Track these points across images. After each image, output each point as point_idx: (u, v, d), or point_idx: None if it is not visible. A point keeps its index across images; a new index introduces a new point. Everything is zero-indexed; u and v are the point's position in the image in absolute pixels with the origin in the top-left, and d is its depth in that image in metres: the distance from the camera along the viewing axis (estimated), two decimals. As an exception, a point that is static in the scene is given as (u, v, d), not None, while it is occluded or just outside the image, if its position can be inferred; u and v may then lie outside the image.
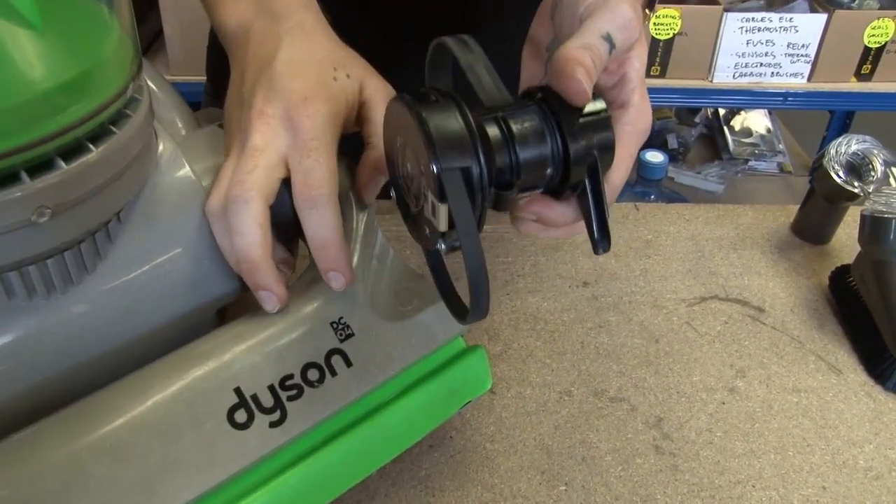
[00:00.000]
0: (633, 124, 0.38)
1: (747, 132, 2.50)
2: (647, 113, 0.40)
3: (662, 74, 1.75)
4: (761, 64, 1.77)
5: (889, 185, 0.56)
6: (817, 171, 0.61)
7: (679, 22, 1.68)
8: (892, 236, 0.54)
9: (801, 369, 0.54)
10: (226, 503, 0.36)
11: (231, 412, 0.36)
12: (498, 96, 0.35)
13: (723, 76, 1.77)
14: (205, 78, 0.80)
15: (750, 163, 2.37)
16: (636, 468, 0.47)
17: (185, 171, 0.42)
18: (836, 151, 0.59)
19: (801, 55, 1.77)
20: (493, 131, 0.34)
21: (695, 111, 2.50)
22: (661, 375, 0.53)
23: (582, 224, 0.38)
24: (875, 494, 0.46)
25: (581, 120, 0.35)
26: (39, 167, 0.33)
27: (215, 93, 0.79)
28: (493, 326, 0.56)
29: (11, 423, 0.36)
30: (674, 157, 2.42)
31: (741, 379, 0.53)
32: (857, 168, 0.60)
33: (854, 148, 0.59)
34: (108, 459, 0.34)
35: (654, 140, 2.43)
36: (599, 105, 0.36)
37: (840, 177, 0.59)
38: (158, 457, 0.35)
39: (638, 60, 0.39)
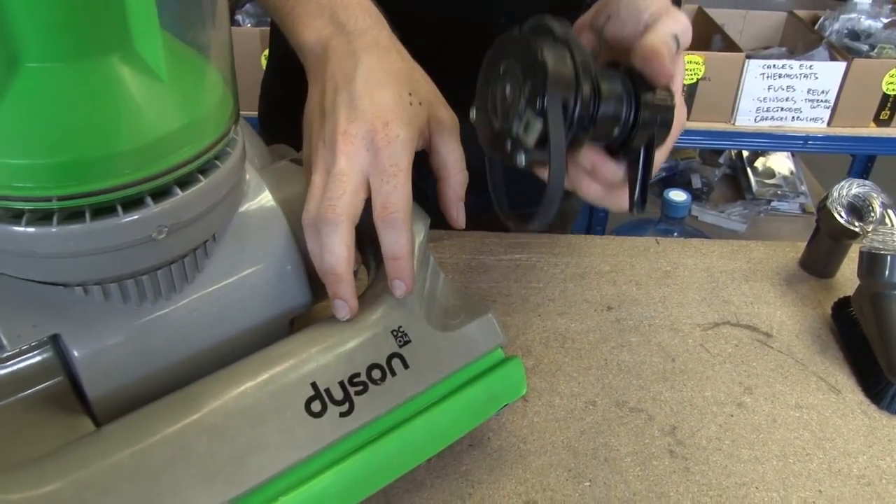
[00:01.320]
0: (677, 118, 0.46)
1: (770, 173, 2.56)
2: (684, 111, 0.48)
3: (687, 117, 1.81)
4: (782, 108, 1.83)
5: (885, 224, 0.63)
6: (822, 211, 0.68)
7: (703, 67, 1.75)
8: (887, 271, 0.60)
9: (804, 388, 0.60)
10: (301, 481, 0.43)
11: (308, 403, 0.43)
12: (590, 61, 0.43)
13: (745, 119, 1.84)
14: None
15: (772, 203, 2.42)
16: (652, 469, 0.53)
17: (269, 199, 0.49)
18: (839, 194, 0.66)
19: (821, 101, 1.83)
20: (586, 83, 0.41)
21: (719, 152, 2.56)
22: (676, 390, 0.59)
23: (616, 194, 0.46)
24: (866, 499, 0.51)
25: (654, 97, 0.43)
26: (161, 193, 0.40)
27: (271, 127, 0.87)
28: (527, 344, 0.62)
29: (126, 406, 0.43)
30: (697, 196, 2.48)
31: (748, 395, 0.59)
32: (859, 209, 0.66)
33: (855, 191, 0.65)
34: (206, 438, 0.41)
35: (679, 179, 2.50)
36: (666, 92, 0.44)
37: (842, 217, 0.66)
38: (247, 438, 0.42)
39: (682, 66, 0.47)
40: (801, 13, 2.08)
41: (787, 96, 1.82)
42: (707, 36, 1.90)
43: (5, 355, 0.43)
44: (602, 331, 0.64)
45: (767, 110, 1.84)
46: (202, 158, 0.42)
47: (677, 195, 1.78)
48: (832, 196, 0.66)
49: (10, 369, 0.43)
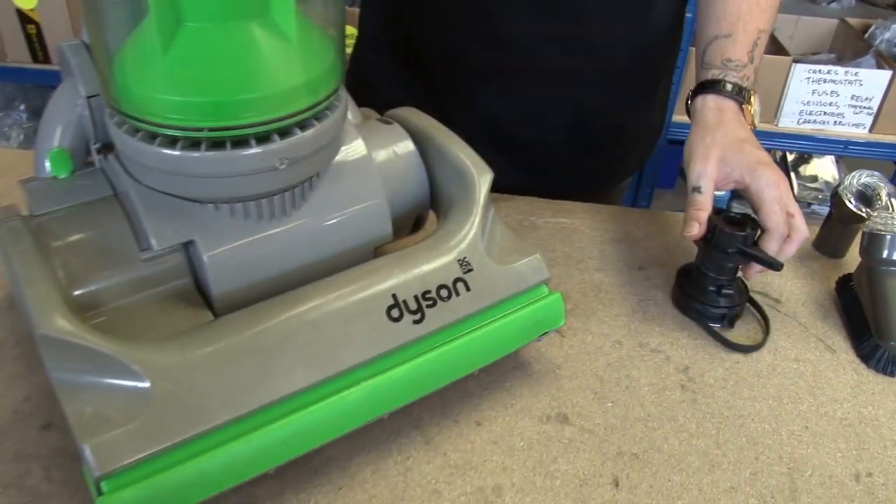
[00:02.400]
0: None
1: (813, 178, 2.61)
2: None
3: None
4: (825, 113, 1.90)
5: (888, 210, 0.71)
6: (834, 197, 0.76)
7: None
8: (885, 250, 0.69)
9: (804, 346, 0.69)
10: (378, 372, 0.53)
11: (389, 310, 0.54)
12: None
13: (788, 121, 1.91)
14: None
15: (812, 207, 2.48)
16: (665, 397, 0.62)
17: (362, 147, 0.60)
18: (850, 182, 0.74)
19: (864, 107, 1.89)
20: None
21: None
22: (692, 338, 0.69)
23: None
24: (845, 437, 0.61)
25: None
26: (284, 132, 0.51)
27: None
28: (567, 291, 0.72)
29: (241, 303, 0.53)
30: (739, 195, 2.55)
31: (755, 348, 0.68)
32: (868, 197, 0.75)
33: (864, 180, 0.74)
34: (309, 329, 0.52)
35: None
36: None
37: (852, 203, 0.74)
38: (341, 333, 0.52)
39: (786, 183, 0.71)
40: (853, 21, 2.12)
41: (830, 101, 1.88)
42: (757, 38, 1.97)
43: (151, 255, 0.54)
44: (632, 286, 0.74)
45: (811, 114, 1.90)
46: (317, 108, 0.52)
47: (716, 188, 1.83)
48: (844, 184, 0.75)
49: (152, 267, 0.54)
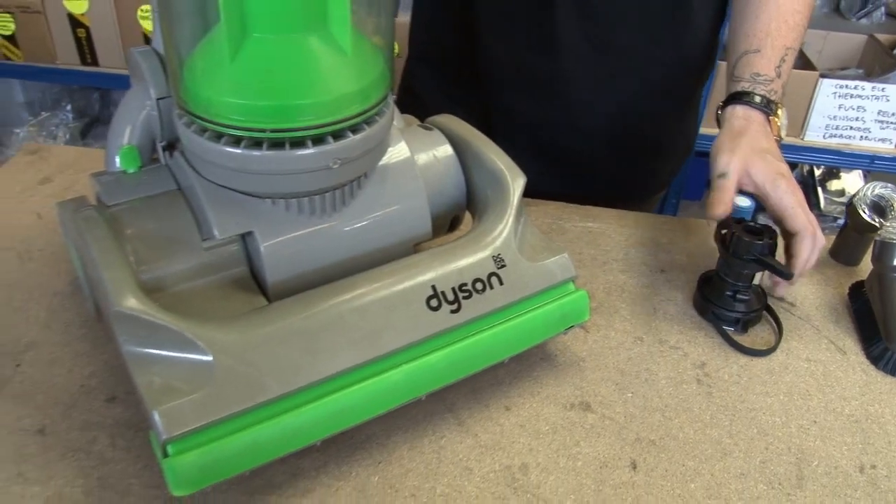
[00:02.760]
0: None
1: (840, 193, 2.62)
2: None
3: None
4: (851, 127, 1.92)
5: (899, 220, 0.75)
6: (849, 207, 0.80)
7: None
8: (894, 258, 0.72)
9: (815, 347, 0.73)
10: (417, 356, 0.58)
11: (428, 299, 0.58)
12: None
13: (814, 135, 1.94)
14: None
15: (838, 221, 2.49)
16: (682, 390, 0.67)
17: (405, 150, 0.65)
18: (864, 194, 0.78)
19: (891, 122, 1.91)
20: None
21: (791, 167, 2.64)
22: (709, 337, 0.73)
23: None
24: (851, 431, 0.65)
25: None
26: (338, 135, 0.56)
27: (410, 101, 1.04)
28: (592, 291, 0.77)
29: (294, 290, 0.59)
30: (764, 208, 2.57)
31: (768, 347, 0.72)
32: (882, 208, 0.79)
33: (878, 192, 0.78)
34: (355, 315, 0.57)
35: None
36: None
37: (866, 213, 0.78)
38: (384, 319, 0.57)
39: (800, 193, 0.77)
40: (882, 37, 2.15)
41: (857, 116, 1.91)
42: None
43: (212, 244, 0.59)
44: (654, 287, 0.78)
45: (837, 128, 1.93)
46: (367, 114, 0.57)
47: (741, 200, 1.87)
48: (858, 195, 0.79)
49: (212, 255, 0.60)
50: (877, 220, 0.78)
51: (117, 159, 0.65)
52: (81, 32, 1.89)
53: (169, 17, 0.57)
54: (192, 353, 0.53)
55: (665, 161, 1.05)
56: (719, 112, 0.83)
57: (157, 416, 0.50)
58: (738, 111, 0.81)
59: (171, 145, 0.66)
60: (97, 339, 0.69)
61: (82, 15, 1.86)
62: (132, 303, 0.53)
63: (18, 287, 0.75)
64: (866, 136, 1.94)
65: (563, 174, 0.96)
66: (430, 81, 1.02)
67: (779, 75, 0.84)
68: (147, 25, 1.85)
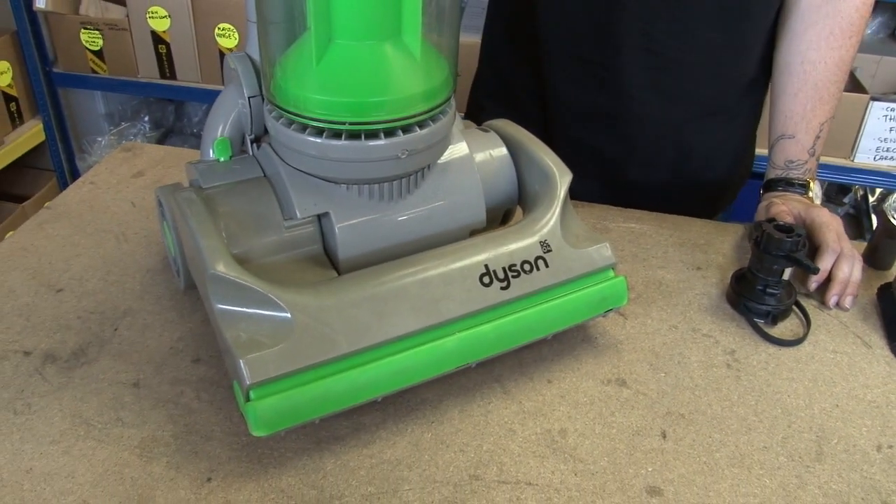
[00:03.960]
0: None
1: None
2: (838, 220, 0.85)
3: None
4: (901, 150, 1.94)
5: (926, 226, 0.80)
6: (880, 214, 0.85)
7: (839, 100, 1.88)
8: (919, 259, 0.77)
9: (842, 340, 0.78)
10: (471, 326, 0.65)
11: (481, 277, 0.66)
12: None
13: (864, 157, 1.96)
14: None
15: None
16: (712, 373, 0.72)
17: (465, 148, 0.72)
18: (892, 201, 0.83)
19: (941, 147, 1.93)
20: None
21: (845, 191, 2.65)
22: (741, 328, 0.78)
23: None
24: (872, 416, 0.69)
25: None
26: (407, 129, 0.64)
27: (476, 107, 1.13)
28: (632, 283, 0.83)
29: (367, 265, 0.66)
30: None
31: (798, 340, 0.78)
32: (911, 215, 0.84)
33: (907, 198, 0.83)
34: (418, 286, 0.64)
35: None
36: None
37: (894, 218, 0.83)
38: (442, 291, 0.64)
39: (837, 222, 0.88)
40: (936, 62, 2.16)
41: (907, 138, 1.93)
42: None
43: (293, 223, 0.67)
44: (690, 282, 0.84)
45: (887, 150, 1.95)
46: (433, 112, 0.65)
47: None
48: (888, 201, 0.84)
49: (292, 233, 0.68)
50: (905, 225, 0.83)
51: (211, 150, 0.73)
52: (162, 48, 2.02)
53: (265, 25, 0.66)
54: (275, 312, 0.60)
55: (725, 189, 1.11)
56: (761, 193, 0.97)
57: (242, 365, 0.58)
58: (775, 198, 0.93)
59: (258, 138, 0.74)
60: (184, 309, 0.78)
61: (164, 32, 1.99)
62: (225, 267, 0.61)
63: (116, 264, 0.84)
64: (917, 160, 1.96)
65: (628, 203, 1.03)
66: (498, 104, 1.09)
67: (812, 154, 0.95)
68: (223, 42, 1.97)
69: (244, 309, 0.61)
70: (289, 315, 0.60)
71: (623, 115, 0.98)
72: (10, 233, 0.95)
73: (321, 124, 0.63)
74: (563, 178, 0.73)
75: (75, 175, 2.30)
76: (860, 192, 2.65)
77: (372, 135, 0.63)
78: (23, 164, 2.19)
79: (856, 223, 2.62)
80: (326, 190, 0.67)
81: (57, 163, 2.27)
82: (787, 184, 0.95)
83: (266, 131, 0.71)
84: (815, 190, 0.95)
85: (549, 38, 0.98)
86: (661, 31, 0.92)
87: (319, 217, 0.68)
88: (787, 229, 0.77)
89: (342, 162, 0.64)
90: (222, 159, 0.72)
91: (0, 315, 0.76)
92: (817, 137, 0.95)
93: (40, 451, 0.63)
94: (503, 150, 0.76)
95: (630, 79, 0.95)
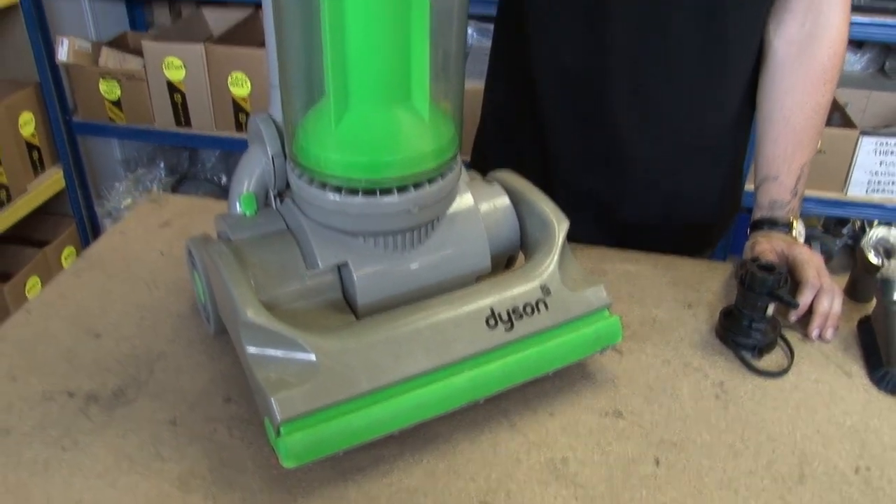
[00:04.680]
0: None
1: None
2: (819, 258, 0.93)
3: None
4: (893, 182, 2.01)
5: (899, 261, 0.86)
6: (857, 250, 0.91)
7: (819, 142, 1.95)
8: (893, 293, 0.84)
9: (824, 370, 0.84)
10: (479, 365, 0.71)
11: (487, 319, 0.72)
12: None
13: (857, 190, 2.02)
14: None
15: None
16: (702, 403, 0.78)
17: (470, 199, 0.79)
18: (870, 237, 0.90)
19: (932, 179, 1.99)
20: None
21: (842, 223, 2.71)
22: (728, 361, 0.84)
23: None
24: (850, 440, 0.75)
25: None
26: (418, 185, 0.70)
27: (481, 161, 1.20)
28: (627, 321, 0.89)
29: (383, 309, 0.73)
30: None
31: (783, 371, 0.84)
32: (888, 249, 0.90)
33: (881, 235, 0.89)
34: (430, 328, 0.70)
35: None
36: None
37: (871, 254, 0.89)
38: (452, 333, 0.71)
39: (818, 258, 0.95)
40: (925, 95, 2.23)
41: (897, 172, 2.00)
42: (828, 112, 2.10)
43: (315, 272, 0.74)
44: (682, 319, 0.90)
45: (879, 183, 2.01)
46: (440, 169, 0.72)
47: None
48: (865, 238, 0.90)
49: (314, 281, 0.74)
50: (880, 260, 0.89)
51: (238, 203, 0.80)
52: (178, 97, 2.11)
53: (288, 91, 0.73)
54: (301, 354, 0.67)
55: (716, 224, 1.18)
56: (749, 232, 1.04)
57: (273, 403, 0.64)
58: (761, 237, 1.00)
59: (282, 193, 0.81)
60: (214, 352, 0.84)
61: (180, 82, 2.08)
62: (255, 314, 0.67)
63: (149, 310, 0.91)
64: (909, 191, 2.03)
65: (623, 240, 1.09)
66: (499, 152, 1.17)
67: (795, 194, 1.02)
68: (236, 91, 2.05)
69: (273, 351, 0.68)
70: (314, 357, 0.67)
71: (615, 158, 1.05)
72: (49, 282, 1.01)
73: (339, 182, 0.70)
74: (560, 226, 0.79)
75: (94, 220, 2.38)
76: (857, 224, 2.71)
77: (386, 191, 0.70)
78: (43, 210, 2.27)
79: (854, 254, 2.67)
80: (345, 241, 0.74)
81: (76, 208, 2.34)
82: (772, 224, 1.01)
83: (288, 186, 0.78)
84: (799, 228, 1.01)
85: (544, 87, 1.05)
86: (647, 77, 0.99)
87: (339, 266, 0.75)
88: (769, 268, 0.84)
89: (359, 216, 0.71)
90: (248, 213, 0.79)
91: (45, 359, 0.83)
92: (799, 178, 1.02)
93: (88, 484, 0.69)
94: (506, 201, 0.82)
95: (620, 123, 1.02)
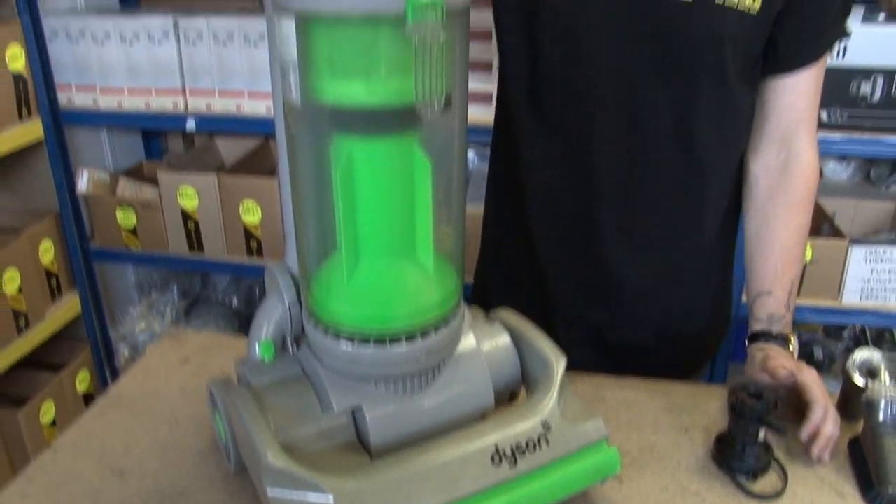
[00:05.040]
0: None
1: (894, 347, 2.70)
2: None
3: (797, 295, 2.06)
4: (885, 289, 2.06)
5: (881, 382, 0.91)
6: (844, 372, 0.96)
7: (811, 253, 2.02)
8: (879, 414, 0.88)
9: (818, 493, 0.88)
10: (485, 499, 0.76)
11: (492, 456, 0.77)
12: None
13: (851, 298, 2.07)
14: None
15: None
16: (701, 530, 0.82)
17: (473, 341, 0.85)
18: (853, 360, 0.95)
19: (923, 284, 2.05)
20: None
21: (843, 326, 2.74)
22: (724, 486, 0.88)
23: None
24: (845, 564, 0.79)
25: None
26: (424, 333, 0.76)
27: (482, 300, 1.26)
28: (627, 449, 0.93)
29: (396, 448, 0.77)
30: (819, 367, 2.65)
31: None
32: (873, 371, 0.95)
33: (867, 356, 0.95)
34: (438, 468, 0.75)
35: (801, 350, 2.68)
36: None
37: (856, 376, 0.95)
38: (459, 471, 0.75)
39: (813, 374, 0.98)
40: (907, 205, 2.30)
41: (889, 278, 2.05)
42: (817, 223, 2.18)
43: (330, 416, 0.79)
44: (679, 444, 0.95)
45: (872, 290, 2.07)
46: (445, 316, 0.78)
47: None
48: (850, 360, 0.96)
49: (329, 423, 0.79)
50: (865, 381, 0.94)
51: (257, 348, 0.86)
52: (191, 225, 2.20)
53: (303, 244, 0.80)
54: (319, 494, 0.71)
55: (708, 340, 1.23)
56: (747, 344, 1.08)
57: (295, 544, 0.69)
58: (759, 349, 1.05)
59: (298, 339, 0.88)
60: (234, 490, 0.89)
61: (194, 210, 2.18)
62: (275, 457, 0.72)
63: (171, 447, 0.95)
64: (902, 297, 2.08)
65: (616, 362, 1.15)
66: (499, 283, 1.24)
67: (788, 309, 1.08)
68: (247, 218, 2.14)
69: (293, 493, 0.72)
70: (332, 499, 0.71)
71: (607, 289, 1.12)
72: (75, 421, 1.06)
73: (352, 333, 0.76)
74: (559, 364, 0.85)
75: (108, 345, 2.44)
76: (858, 326, 2.74)
77: (395, 340, 0.75)
78: (58, 335, 2.33)
79: (857, 354, 2.70)
80: (358, 386, 0.79)
81: (91, 333, 2.40)
82: (770, 337, 1.06)
83: (304, 331, 0.84)
84: (794, 343, 1.07)
85: (538, 224, 1.12)
86: (633, 212, 1.07)
87: (353, 409, 0.80)
88: (758, 395, 0.88)
89: (370, 364, 0.76)
90: (266, 359, 0.85)
91: (71, 498, 0.87)
92: (790, 293, 1.08)
93: None
94: (507, 340, 0.88)
95: (609, 257, 1.09)
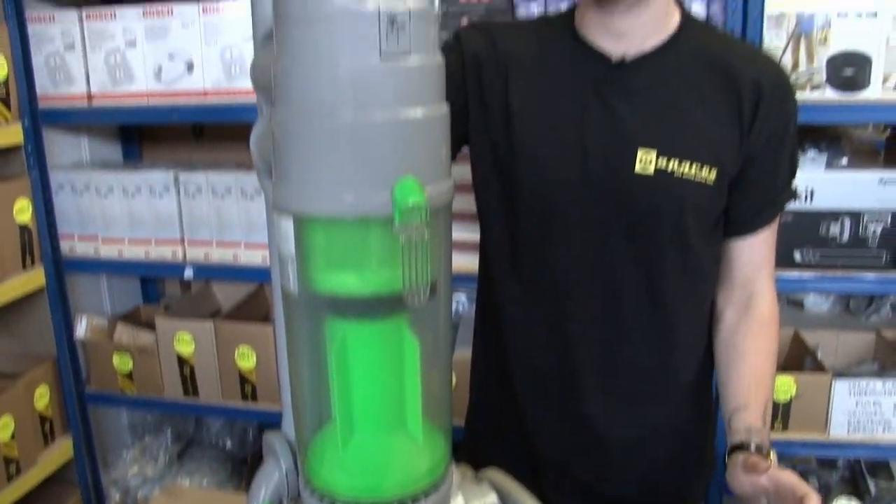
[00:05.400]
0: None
1: (891, 475, 2.70)
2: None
3: (784, 428, 2.09)
4: (871, 421, 2.09)
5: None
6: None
7: (794, 387, 2.06)
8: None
9: None
10: None
11: None
12: None
13: (839, 431, 2.09)
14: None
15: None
16: None
17: (461, 501, 0.88)
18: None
19: (907, 417, 2.08)
20: None
21: (831, 464, 2.73)
22: None
23: None
24: None
25: None
26: (415, 500, 0.80)
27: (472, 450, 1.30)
28: None
29: None
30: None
31: None
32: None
33: (842, 509, 0.98)
34: None
35: (796, 479, 2.66)
36: None
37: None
38: None
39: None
40: (888, 333, 2.36)
41: (874, 410, 2.08)
42: (800, 357, 2.23)
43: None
44: None
45: (858, 423, 2.09)
46: (435, 482, 0.82)
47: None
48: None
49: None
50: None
51: (255, 513, 0.89)
52: (187, 370, 2.24)
53: (299, 414, 0.85)
54: None
55: (694, 481, 1.26)
56: (727, 458, 1.09)
57: None
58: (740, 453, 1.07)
59: (295, 500, 0.91)
60: None
61: (189, 355, 2.22)
62: None
63: None
64: (888, 429, 2.10)
65: None
66: (488, 442, 1.28)
67: (764, 423, 1.11)
68: (242, 363, 2.18)
69: None
70: None
71: (592, 447, 1.16)
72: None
73: (346, 500, 0.79)
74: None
75: (98, 489, 2.42)
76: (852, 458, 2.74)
77: (388, 508, 0.79)
78: (49, 479, 2.32)
79: (853, 484, 2.68)
80: (352, 552, 0.82)
81: (82, 478, 2.39)
82: (749, 448, 1.06)
83: (300, 495, 0.87)
84: (773, 457, 1.07)
85: (522, 387, 1.18)
86: (611, 373, 1.12)
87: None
88: None
89: (364, 533, 0.80)
90: (265, 523, 0.88)
91: None
92: (765, 411, 1.12)
93: None
94: (495, 500, 0.92)
95: (593, 415, 1.14)
